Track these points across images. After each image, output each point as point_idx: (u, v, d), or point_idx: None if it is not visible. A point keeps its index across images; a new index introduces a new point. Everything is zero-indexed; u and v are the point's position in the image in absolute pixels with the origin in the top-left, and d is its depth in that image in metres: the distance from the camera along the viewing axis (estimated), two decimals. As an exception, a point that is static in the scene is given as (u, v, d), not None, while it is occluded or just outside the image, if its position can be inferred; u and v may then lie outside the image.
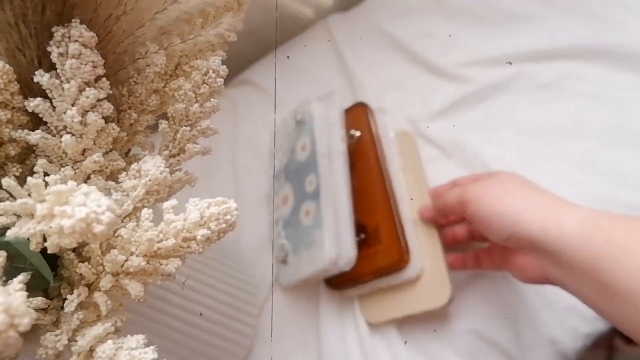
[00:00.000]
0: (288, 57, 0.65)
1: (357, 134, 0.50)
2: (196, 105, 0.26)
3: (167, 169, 0.23)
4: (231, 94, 0.64)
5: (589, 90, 0.56)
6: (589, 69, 0.56)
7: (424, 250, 0.44)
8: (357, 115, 0.52)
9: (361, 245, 0.45)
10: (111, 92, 0.24)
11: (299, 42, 0.66)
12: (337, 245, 0.43)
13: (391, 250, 0.44)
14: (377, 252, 0.45)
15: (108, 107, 0.23)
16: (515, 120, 0.56)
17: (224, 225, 0.22)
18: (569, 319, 0.46)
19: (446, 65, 0.59)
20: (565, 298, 0.47)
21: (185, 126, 0.26)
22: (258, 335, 0.47)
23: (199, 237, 0.21)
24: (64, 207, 0.18)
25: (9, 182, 0.20)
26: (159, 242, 0.21)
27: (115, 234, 0.22)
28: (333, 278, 0.46)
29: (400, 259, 0.43)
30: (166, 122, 0.26)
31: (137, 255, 0.22)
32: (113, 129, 0.24)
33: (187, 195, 0.28)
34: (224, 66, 0.27)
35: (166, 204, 0.22)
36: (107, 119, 0.24)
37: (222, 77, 0.26)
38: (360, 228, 0.46)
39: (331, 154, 0.48)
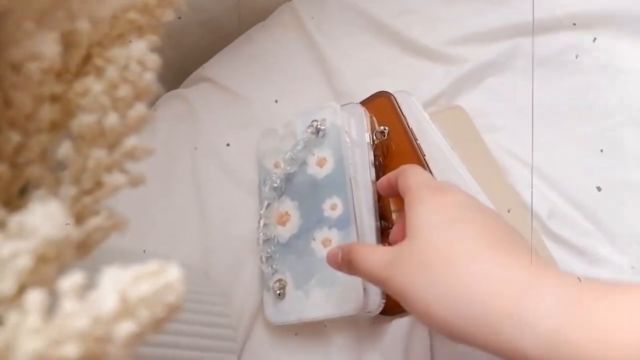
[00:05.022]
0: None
1: (386, 129, 0.43)
2: (114, 115, 0.17)
3: (69, 221, 0.15)
4: (187, 94, 0.54)
5: (596, 63, 0.48)
6: (594, 38, 0.49)
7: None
8: (380, 107, 0.45)
9: None
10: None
11: (261, 29, 0.58)
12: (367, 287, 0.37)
13: None
14: None
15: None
16: (518, 103, 0.48)
17: (160, 311, 0.13)
18: None
19: (433, 44, 0.51)
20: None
21: (101, 148, 0.17)
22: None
23: (119, 336, 0.13)
24: None
25: None
26: (52, 348, 0.13)
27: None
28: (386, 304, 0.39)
29: None
30: (70, 143, 0.17)
31: (18, 376, 0.13)
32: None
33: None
34: (155, 55, 0.18)
35: (64, 284, 0.13)
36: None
37: (151, 70, 0.18)
38: None
39: (356, 180, 0.41)
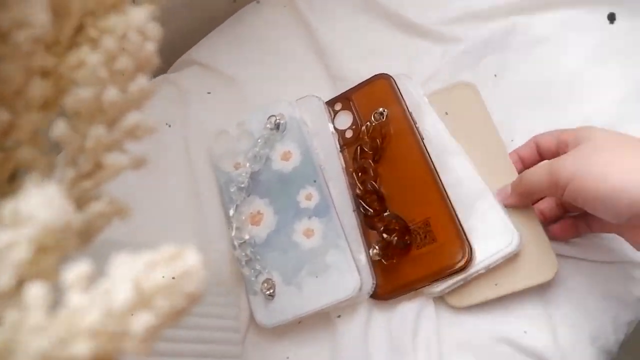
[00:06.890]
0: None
1: (385, 111, 0.42)
2: (113, 89, 0.16)
3: (69, 206, 0.13)
4: (176, 79, 0.52)
5: (592, 41, 0.48)
6: (588, 15, 0.49)
7: (517, 221, 0.38)
8: (380, 89, 0.44)
9: (409, 245, 0.39)
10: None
11: (252, 10, 0.56)
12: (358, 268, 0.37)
13: (451, 249, 0.37)
14: (432, 252, 0.37)
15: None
16: (519, 82, 0.47)
17: (179, 301, 0.12)
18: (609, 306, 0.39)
19: (429, 24, 0.50)
20: (602, 285, 0.40)
21: (100, 125, 0.16)
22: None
23: (135, 329, 0.11)
24: None
25: None
26: (59, 348, 0.11)
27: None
28: (378, 288, 0.38)
29: (463, 258, 0.36)
30: (65, 122, 0.16)
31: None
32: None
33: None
34: (154, 23, 0.17)
35: (69, 275, 0.12)
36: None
37: (152, 40, 0.16)
38: (403, 227, 0.39)
39: (324, 167, 0.42)
